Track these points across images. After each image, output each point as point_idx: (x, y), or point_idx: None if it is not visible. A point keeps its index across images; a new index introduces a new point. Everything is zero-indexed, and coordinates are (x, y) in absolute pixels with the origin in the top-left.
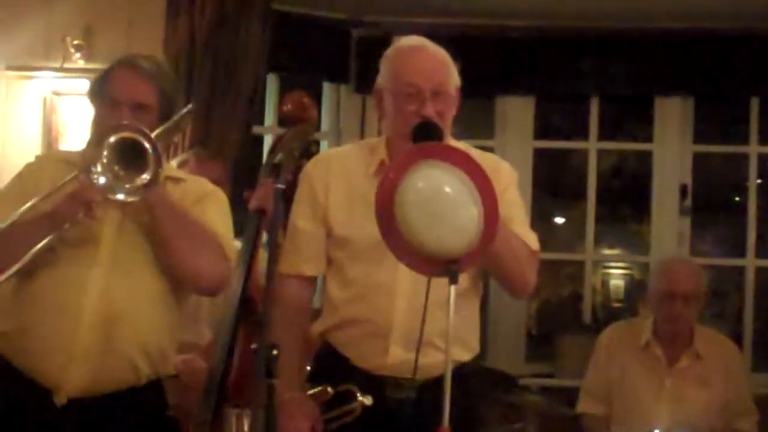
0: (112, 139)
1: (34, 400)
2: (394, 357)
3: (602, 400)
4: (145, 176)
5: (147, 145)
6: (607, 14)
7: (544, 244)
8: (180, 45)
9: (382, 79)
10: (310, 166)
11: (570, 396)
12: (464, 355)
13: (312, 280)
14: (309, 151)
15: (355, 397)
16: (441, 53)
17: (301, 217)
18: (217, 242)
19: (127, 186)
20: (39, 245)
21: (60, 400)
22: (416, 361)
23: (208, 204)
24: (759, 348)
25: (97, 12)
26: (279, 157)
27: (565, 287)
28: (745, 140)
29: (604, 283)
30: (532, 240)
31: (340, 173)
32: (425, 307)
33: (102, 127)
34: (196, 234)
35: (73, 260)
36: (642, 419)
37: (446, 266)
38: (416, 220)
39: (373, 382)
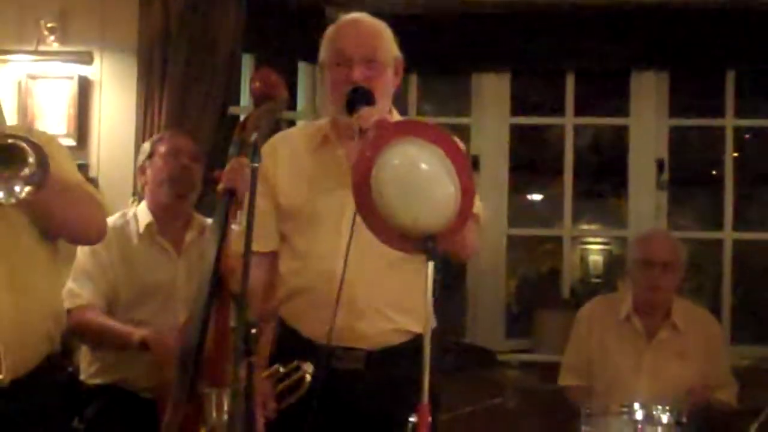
0: None
1: None
2: (340, 325)
3: (583, 374)
4: (28, 170)
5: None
6: None
7: (522, 221)
8: (154, 27)
9: (321, 56)
10: (264, 148)
11: (549, 371)
12: (416, 326)
13: (264, 257)
14: (279, 128)
15: (300, 368)
16: (377, 25)
17: None
18: (88, 194)
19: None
20: None
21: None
22: (331, 328)
23: (55, 154)
24: (737, 320)
25: None
26: (254, 135)
27: (544, 263)
28: (721, 113)
29: (583, 259)
30: (477, 204)
31: (285, 151)
32: (344, 271)
33: None
34: (73, 197)
35: None
36: (622, 393)
37: (423, 243)
38: (392, 197)
39: (321, 353)
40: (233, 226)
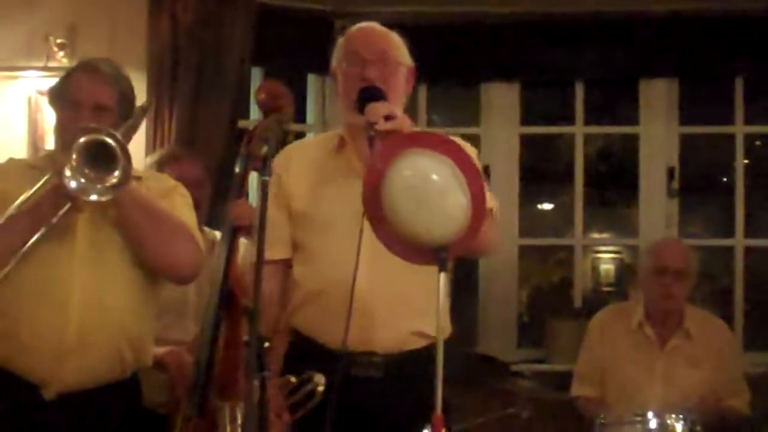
0: (80, 141)
1: (23, 397)
2: (357, 328)
3: (596, 383)
4: (116, 175)
5: (115, 145)
6: None
7: (534, 231)
8: (163, 41)
9: (334, 62)
10: (275, 160)
11: (562, 380)
12: (433, 329)
13: (278, 266)
14: (285, 140)
15: (312, 380)
16: (389, 32)
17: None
18: (187, 231)
19: (99, 186)
20: (29, 243)
21: (49, 395)
22: (346, 331)
23: (175, 197)
24: (749, 327)
25: (79, 10)
26: (264, 150)
27: (556, 273)
28: (731, 121)
29: (594, 268)
30: (489, 199)
31: (300, 157)
32: (354, 277)
33: (68, 130)
34: (168, 225)
35: (51, 257)
36: (635, 401)
37: (435, 254)
38: (404, 208)
39: (338, 361)
40: (242, 239)
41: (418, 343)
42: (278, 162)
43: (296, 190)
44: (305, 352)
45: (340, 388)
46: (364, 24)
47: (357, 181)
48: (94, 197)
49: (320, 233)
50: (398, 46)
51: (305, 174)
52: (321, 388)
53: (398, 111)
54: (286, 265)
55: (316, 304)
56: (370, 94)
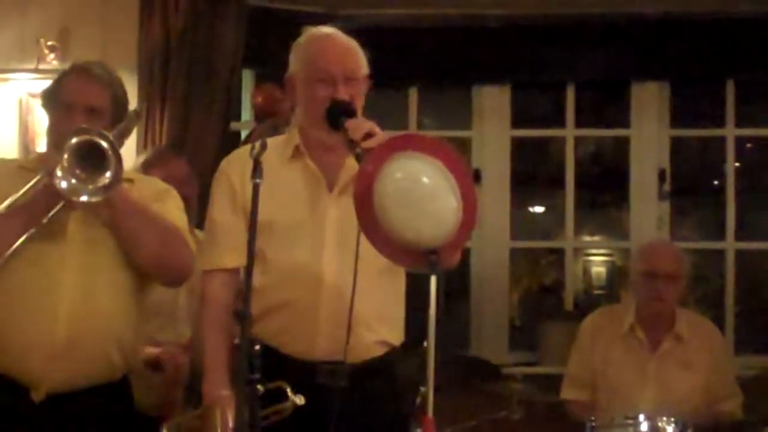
0: (72, 142)
1: (11, 398)
2: (325, 338)
3: (587, 386)
4: (107, 177)
5: (106, 147)
6: (581, 0)
7: (525, 234)
8: (155, 43)
9: (294, 67)
10: (224, 164)
11: (554, 383)
12: (395, 339)
13: (234, 273)
14: None
15: (287, 395)
16: (351, 42)
17: (219, 211)
18: (178, 233)
19: (90, 187)
20: (17, 242)
21: (38, 396)
22: (347, 342)
23: (166, 199)
24: (740, 330)
25: (71, 13)
26: (258, 152)
27: (547, 276)
28: (721, 123)
29: (586, 271)
30: None
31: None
32: (354, 286)
33: (60, 131)
34: (159, 227)
35: (42, 258)
36: (626, 404)
37: (426, 257)
38: (395, 211)
39: (304, 369)
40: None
41: (380, 351)
42: (231, 167)
43: None
44: (268, 362)
45: (307, 398)
46: (326, 32)
47: (317, 189)
48: (84, 198)
49: (282, 242)
50: (362, 58)
51: (264, 181)
52: (291, 401)
53: (376, 126)
54: (238, 273)
55: (281, 314)
56: (340, 110)
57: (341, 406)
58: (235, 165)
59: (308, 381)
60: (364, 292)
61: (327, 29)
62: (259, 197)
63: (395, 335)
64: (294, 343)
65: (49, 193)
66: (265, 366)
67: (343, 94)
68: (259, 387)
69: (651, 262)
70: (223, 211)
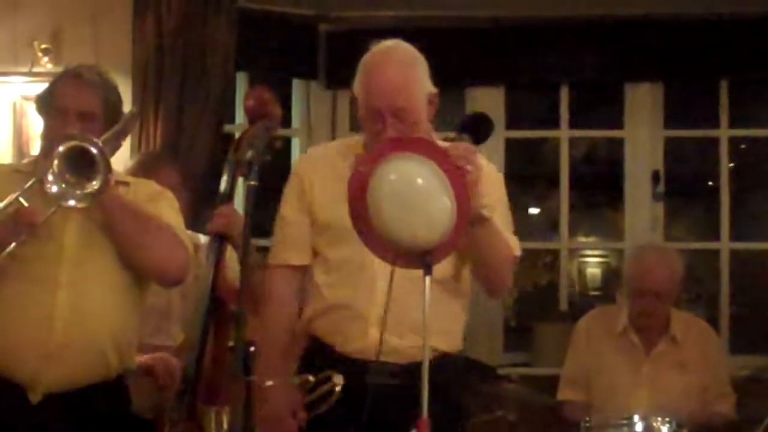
0: (61, 148)
1: (8, 399)
2: (373, 339)
3: (582, 387)
4: (95, 183)
5: (95, 152)
6: (575, 1)
7: (519, 234)
8: (148, 46)
9: (355, 87)
10: (299, 163)
11: (549, 384)
12: (444, 346)
13: (298, 271)
14: (273, 146)
15: (331, 380)
16: (406, 66)
17: (288, 208)
18: (174, 234)
19: (78, 193)
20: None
21: (35, 396)
22: (380, 342)
23: (161, 201)
24: (735, 331)
25: (64, 16)
26: (249, 154)
27: (542, 277)
28: (715, 124)
29: (581, 272)
30: (515, 244)
31: (324, 165)
32: (389, 289)
33: (53, 136)
34: (155, 228)
35: (39, 259)
36: (621, 405)
37: (420, 258)
38: (389, 212)
39: (355, 368)
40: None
41: (431, 356)
42: (302, 166)
43: (319, 198)
44: (323, 358)
45: (355, 393)
46: (383, 56)
47: None
48: (72, 203)
49: (344, 245)
50: (416, 84)
51: (329, 182)
52: (338, 389)
53: (477, 160)
54: (304, 271)
55: (340, 314)
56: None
57: (391, 402)
58: (304, 163)
59: (358, 377)
60: (418, 300)
61: (385, 47)
62: (321, 198)
63: (449, 343)
64: (347, 342)
65: (14, 225)
66: (321, 362)
67: (389, 132)
68: (310, 378)
69: (641, 279)
70: (291, 208)
